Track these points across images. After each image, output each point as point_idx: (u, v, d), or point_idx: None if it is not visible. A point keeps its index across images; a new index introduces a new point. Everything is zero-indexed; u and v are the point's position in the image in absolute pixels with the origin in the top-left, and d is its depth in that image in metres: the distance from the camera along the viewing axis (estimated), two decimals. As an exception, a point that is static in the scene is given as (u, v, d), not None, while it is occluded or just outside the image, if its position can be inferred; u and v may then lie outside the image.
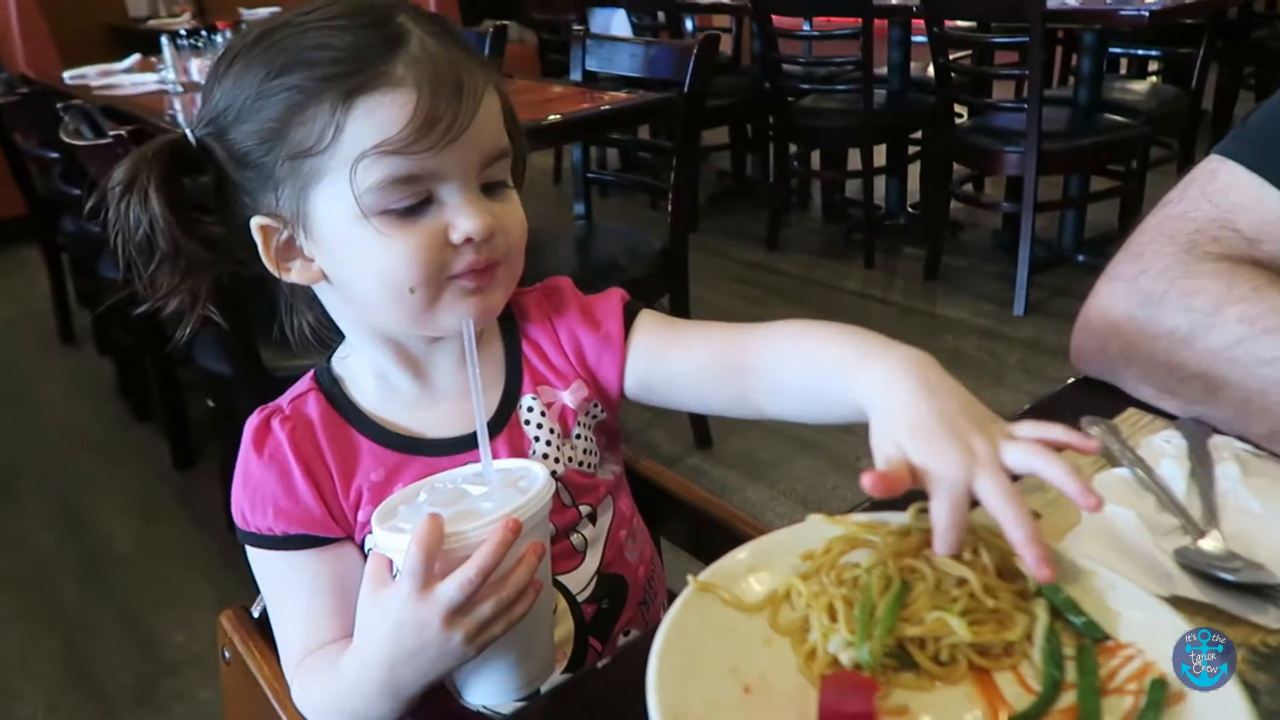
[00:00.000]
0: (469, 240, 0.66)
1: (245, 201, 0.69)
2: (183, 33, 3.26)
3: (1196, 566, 0.60)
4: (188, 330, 0.72)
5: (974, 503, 0.54)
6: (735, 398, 0.73)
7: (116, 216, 0.67)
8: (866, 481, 0.53)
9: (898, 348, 0.62)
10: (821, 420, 0.69)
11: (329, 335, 0.78)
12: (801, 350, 0.69)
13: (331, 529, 0.72)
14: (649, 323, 0.79)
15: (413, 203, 0.65)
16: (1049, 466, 0.53)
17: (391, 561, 0.63)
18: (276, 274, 0.71)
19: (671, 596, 0.57)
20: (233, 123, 0.66)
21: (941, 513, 0.53)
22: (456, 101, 0.64)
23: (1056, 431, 0.56)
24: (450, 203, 0.66)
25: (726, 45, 4.51)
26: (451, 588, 0.59)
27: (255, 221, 0.69)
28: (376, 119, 0.62)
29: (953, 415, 0.56)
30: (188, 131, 0.69)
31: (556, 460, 0.76)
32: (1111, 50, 3.86)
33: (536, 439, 0.75)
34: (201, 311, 0.72)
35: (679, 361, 0.76)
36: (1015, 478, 0.54)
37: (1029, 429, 0.56)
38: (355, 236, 0.65)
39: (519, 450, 0.75)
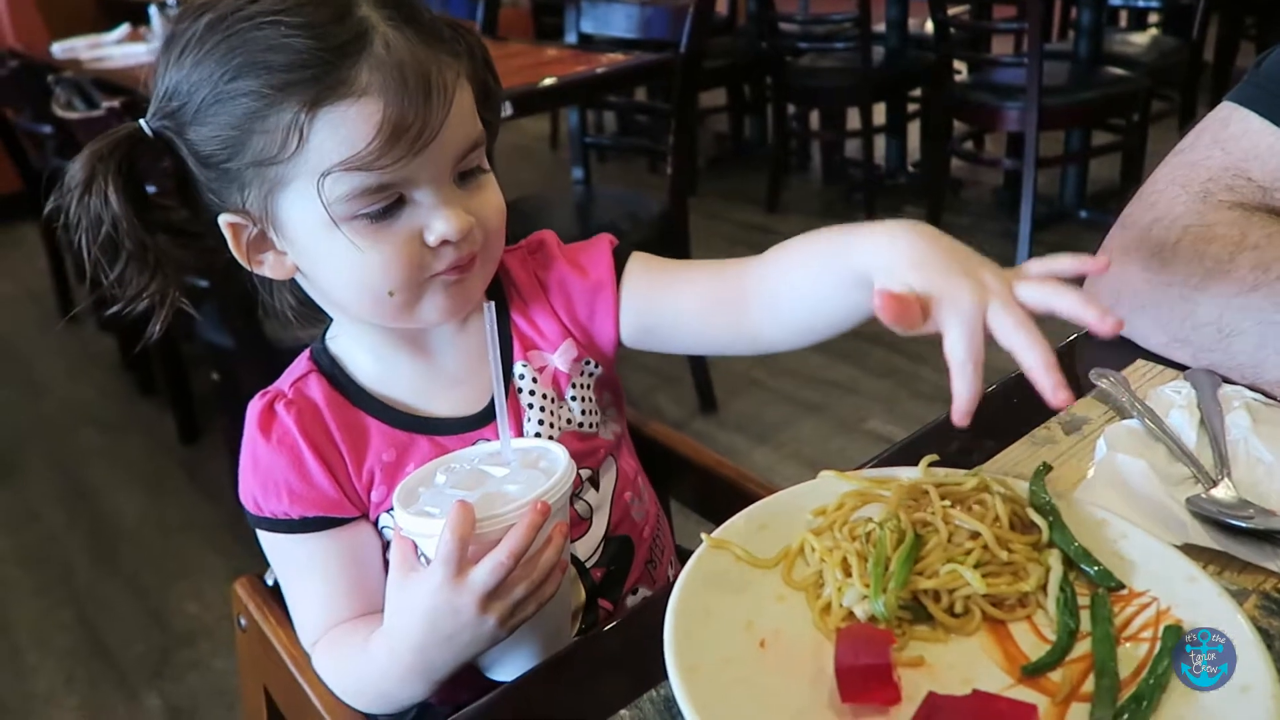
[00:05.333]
0: (446, 242, 0.64)
1: (211, 198, 0.67)
2: (171, 2, 3.21)
3: (1209, 514, 0.60)
4: (158, 327, 0.70)
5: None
6: (734, 326, 0.72)
7: (78, 217, 0.64)
8: (878, 302, 0.51)
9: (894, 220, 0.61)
10: (824, 323, 0.67)
11: (314, 314, 0.76)
12: (798, 252, 0.68)
13: (347, 509, 0.72)
14: (640, 264, 0.77)
15: (385, 205, 0.63)
16: (1065, 300, 0.53)
17: (416, 545, 0.63)
18: (249, 267, 0.69)
19: (681, 554, 0.57)
20: (191, 122, 0.64)
21: (959, 342, 0.51)
22: (425, 107, 0.61)
23: (1064, 262, 0.55)
24: (424, 203, 0.64)
25: (722, 5, 4.45)
26: (484, 572, 0.59)
27: (224, 219, 0.67)
28: (341, 133, 0.60)
29: (960, 254, 0.55)
30: (143, 123, 0.67)
31: (552, 425, 0.75)
32: (1111, 2, 3.81)
33: (530, 405, 0.75)
34: (173, 306, 0.69)
35: (676, 297, 0.75)
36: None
37: (1037, 266, 0.55)
38: (328, 242, 0.64)
39: (516, 418, 0.74)
